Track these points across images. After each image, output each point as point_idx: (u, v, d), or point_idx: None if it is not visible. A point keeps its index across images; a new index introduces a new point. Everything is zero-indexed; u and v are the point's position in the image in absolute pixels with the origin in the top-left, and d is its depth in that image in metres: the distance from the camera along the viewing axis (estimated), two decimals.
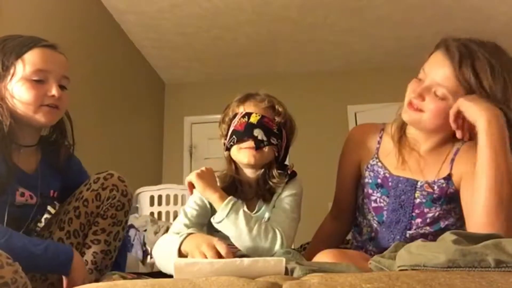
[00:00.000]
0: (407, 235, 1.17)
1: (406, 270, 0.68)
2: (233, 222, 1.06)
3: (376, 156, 1.25)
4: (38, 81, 1.13)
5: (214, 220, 1.10)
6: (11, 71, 1.11)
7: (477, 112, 0.98)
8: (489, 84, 0.99)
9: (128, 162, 3.57)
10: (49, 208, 1.36)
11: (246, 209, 1.14)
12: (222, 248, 0.95)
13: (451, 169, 1.13)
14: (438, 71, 1.05)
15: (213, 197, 1.11)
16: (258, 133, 1.16)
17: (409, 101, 1.11)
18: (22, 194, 1.16)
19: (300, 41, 3.91)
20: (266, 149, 1.17)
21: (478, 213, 0.97)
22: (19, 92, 1.11)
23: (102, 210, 1.24)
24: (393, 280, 0.59)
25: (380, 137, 1.27)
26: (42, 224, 1.32)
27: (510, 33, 3.54)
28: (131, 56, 3.89)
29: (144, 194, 3.31)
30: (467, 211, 1.06)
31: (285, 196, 1.20)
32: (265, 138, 1.16)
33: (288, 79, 4.49)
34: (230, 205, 1.08)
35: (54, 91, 1.14)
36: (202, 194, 1.15)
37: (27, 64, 1.12)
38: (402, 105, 1.15)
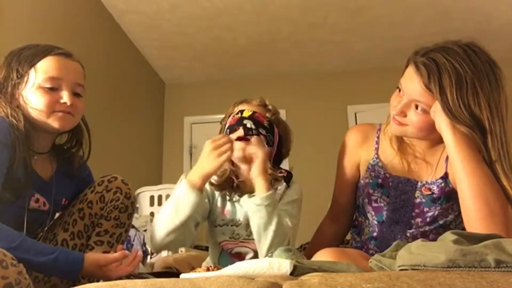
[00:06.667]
0: (408, 234, 1.18)
1: (406, 270, 0.68)
2: (268, 213, 1.11)
3: (376, 156, 1.25)
4: (50, 89, 1.15)
5: (253, 200, 1.14)
6: (25, 79, 1.14)
7: (440, 127, 1.03)
8: (453, 100, 1.00)
9: (128, 162, 3.56)
10: None
11: None
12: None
13: (446, 167, 1.15)
14: (413, 87, 1.06)
15: (262, 182, 1.14)
16: (247, 122, 1.21)
17: (393, 117, 1.14)
18: (37, 200, 1.17)
19: (300, 41, 3.91)
20: (253, 139, 1.20)
21: (472, 225, 0.97)
22: (32, 99, 1.14)
23: (106, 211, 1.25)
24: (393, 280, 0.59)
25: (378, 137, 1.28)
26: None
27: (510, 33, 3.52)
28: (131, 56, 3.89)
29: (144, 194, 3.32)
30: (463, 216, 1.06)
31: (287, 202, 1.23)
32: (253, 127, 1.20)
33: (288, 79, 4.49)
34: (273, 197, 1.14)
35: (65, 98, 1.16)
36: (256, 171, 1.16)
37: (40, 72, 1.14)
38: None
